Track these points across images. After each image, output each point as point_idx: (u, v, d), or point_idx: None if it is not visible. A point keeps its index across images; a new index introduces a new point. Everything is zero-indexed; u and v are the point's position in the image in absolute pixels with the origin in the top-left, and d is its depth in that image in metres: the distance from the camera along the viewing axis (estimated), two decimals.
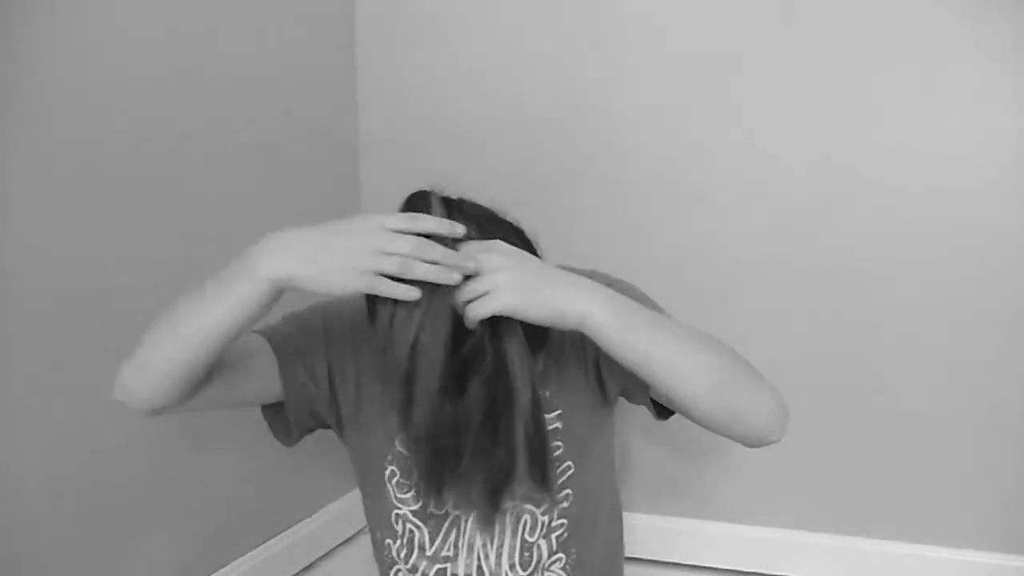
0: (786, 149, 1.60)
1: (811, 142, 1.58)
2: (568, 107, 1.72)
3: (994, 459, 1.54)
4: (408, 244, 0.83)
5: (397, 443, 1.03)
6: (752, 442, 0.91)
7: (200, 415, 1.44)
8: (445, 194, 0.97)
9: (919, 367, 1.57)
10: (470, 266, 0.83)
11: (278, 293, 0.85)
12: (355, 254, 0.83)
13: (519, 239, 0.97)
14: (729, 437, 0.91)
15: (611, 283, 1.04)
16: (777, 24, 1.58)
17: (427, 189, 0.94)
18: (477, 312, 0.83)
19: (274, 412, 1.09)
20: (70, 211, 1.18)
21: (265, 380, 1.02)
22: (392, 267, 0.82)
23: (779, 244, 1.62)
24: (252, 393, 1.03)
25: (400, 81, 1.84)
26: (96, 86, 1.21)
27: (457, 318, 0.85)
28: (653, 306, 1.05)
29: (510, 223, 0.99)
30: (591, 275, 1.07)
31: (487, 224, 0.93)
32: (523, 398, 0.85)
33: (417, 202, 0.91)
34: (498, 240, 0.88)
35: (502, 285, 0.83)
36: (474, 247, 0.86)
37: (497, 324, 0.86)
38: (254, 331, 1.02)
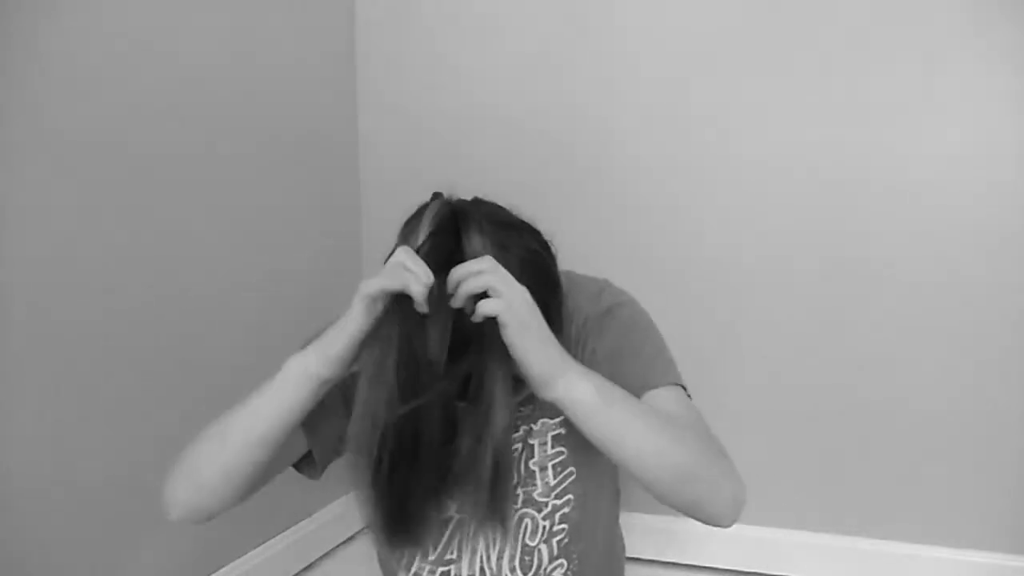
0: (786, 150, 1.60)
1: (811, 142, 1.58)
2: (568, 107, 1.72)
3: (994, 459, 1.54)
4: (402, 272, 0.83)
5: None
6: (703, 522, 0.92)
7: (200, 411, 1.44)
8: (458, 197, 0.96)
9: (919, 367, 1.57)
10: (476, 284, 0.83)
11: (314, 386, 0.86)
12: (356, 300, 0.85)
13: (535, 240, 0.97)
14: (681, 512, 0.92)
15: (622, 302, 1.03)
16: (778, 25, 1.58)
17: (439, 199, 0.93)
18: (484, 309, 0.82)
19: (303, 461, 1.09)
20: (70, 211, 1.18)
21: (294, 445, 1.02)
22: (388, 283, 0.82)
23: (779, 244, 1.62)
24: (287, 462, 1.04)
25: (400, 81, 1.84)
26: (96, 87, 1.21)
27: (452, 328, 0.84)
28: (651, 329, 1.04)
29: (527, 224, 0.98)
30: (604, 286, 1.06)
31: (501, 230, 0.92)
32: (497, 425, 0.83)
33: (412, 221, 0.91)
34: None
35: (510, 297, 0.83)
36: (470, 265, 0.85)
37: (491, 342, 0.84)
38: None
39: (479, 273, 0.83)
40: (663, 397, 0.96)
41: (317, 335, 1.01)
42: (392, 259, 0.85)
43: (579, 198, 1.73)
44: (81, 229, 1.19)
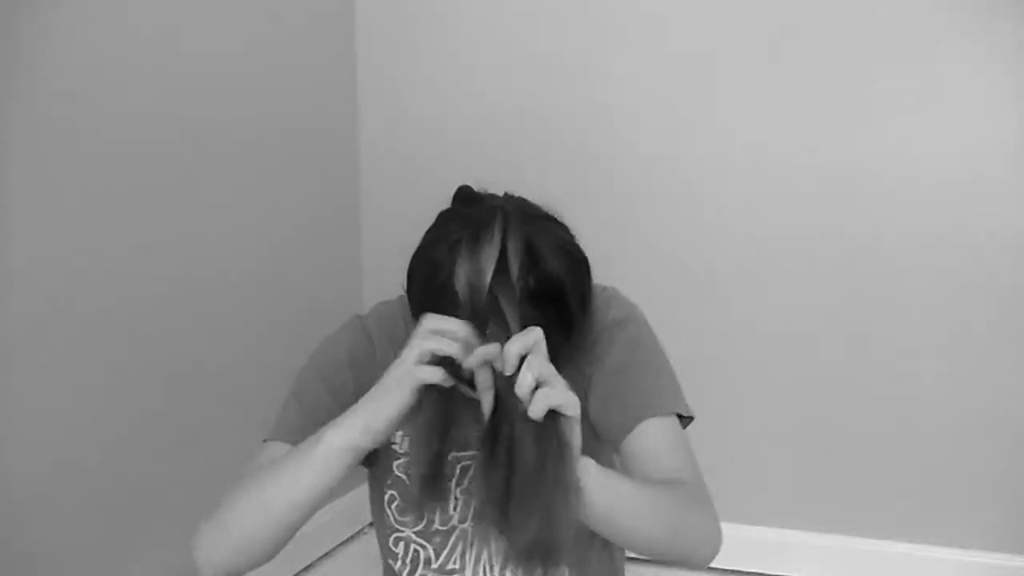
0: (787, 149, 1.60)
1: (811, 142, 1.58)
2: (569, 108, 1.72)
3: (994, 459, 1.54)
4: (440, 343, 0.80)
5: (395, 469, 1.03)
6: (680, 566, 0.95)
7: (198, 416, 1.44)
8: (494, 192, 0.96)
9: (919, 367, 1.57)
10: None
11: (354, 456, 0.85)
12: (397, 370, 0.82)
13: (567, 232, 0.96)
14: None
15: (629, 317, 1.03)
16: (779, 25, 1.58)
17: (494, 219, 0.88)
18: (541, 405, 0.79)
19: None
20: (70, 211, 1.18)
21: None
22: (435, 347, 0.80)
23: (779, 244, 1.62)
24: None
25: (400, 82, 1.84)
26: (96, 88, 1.21)
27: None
28: (657, 349, 1.04)
29: (560, 222, 0.97)
30: (612, 295, 1.06)
31: (538, 220, 0.91)
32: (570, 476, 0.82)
33: (481, 234, 0.87)
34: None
35: (566, 386, 0.78)
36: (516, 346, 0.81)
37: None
38: (279, 442, 1.00)
39: (533, 362, 0.78)
40: (658, 430, 0.96)
41: (322, 349, 1.01)
42: (425, 329, 0.81)
43: (581, 198, 1.72)
44: (81, 228, 1.19)
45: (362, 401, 0.84)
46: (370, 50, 1.85)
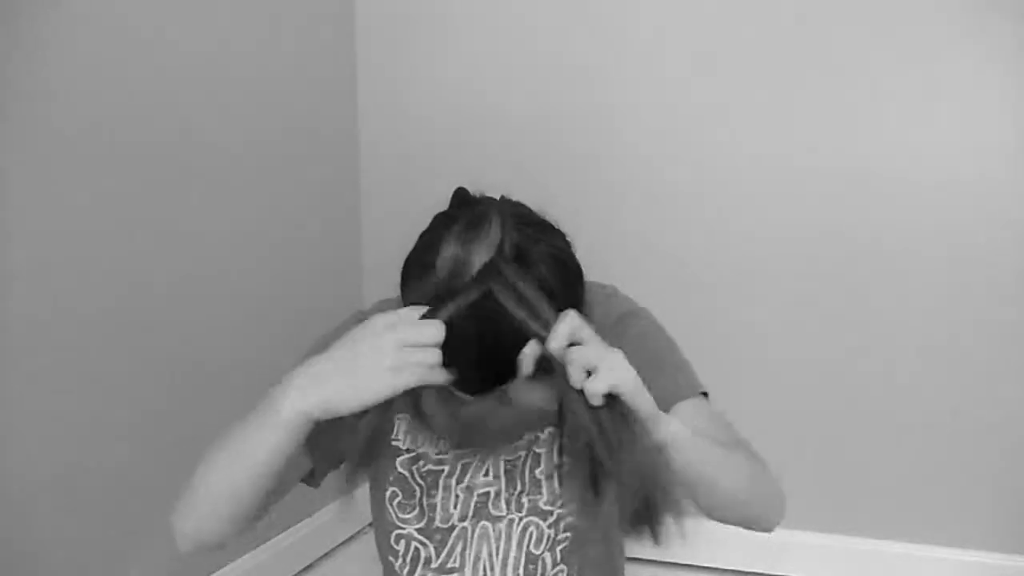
0: (787, 149, 1.60)
1: (811, 142, 1.58)
2: (568, 107, 1.72)
3: (994, 459, 1.54)
4: (434, 332, 0.80)
5: (398, 466, 1.03)
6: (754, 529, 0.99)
7: (198, 416, 1.44)
8: (481, 193, 0.95)
9: (920, 367, 1.57)
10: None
11: (310, 424, 0.85)
12: (381, 355, 0.81)
13: (562, 239, 0.96)
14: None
15: (632, 311, 1.03)
16: (780, 26, 1.58)
17: (487, 214, 0.89)
18: (597, 387, 0.79)
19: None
20: (70, 211, 1.18)
21: (296, 466, 1.02)
22: (425, 358, 0.79)
23: (779, 244, 1.62)
24: (290, 485, 1.04)
25: (400, 83, 1.84)
26: (96, 88, 1.21)
27: None
28: (667, 339, 1.04)
29: (558, 230, 0.97)
30: (612, 293, 1.06)
31: (529, 227, 0.91)
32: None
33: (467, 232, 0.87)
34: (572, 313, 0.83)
35: (617, 363, 0.80)
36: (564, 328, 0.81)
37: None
38: None
39: (580, 344, 0.79)
40: (691, 411, 0.97)
41: (316, 347, 1.00)
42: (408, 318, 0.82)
43: (581, 198, 1.73)
44: (81, 229, 1.20)
45: (329, 368, 0.82)
46: (370, 50, 1.85)
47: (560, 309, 0.85)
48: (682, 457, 0.85)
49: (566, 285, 0.89)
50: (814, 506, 1.66)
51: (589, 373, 0.79)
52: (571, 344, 0.79)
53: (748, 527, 0.97)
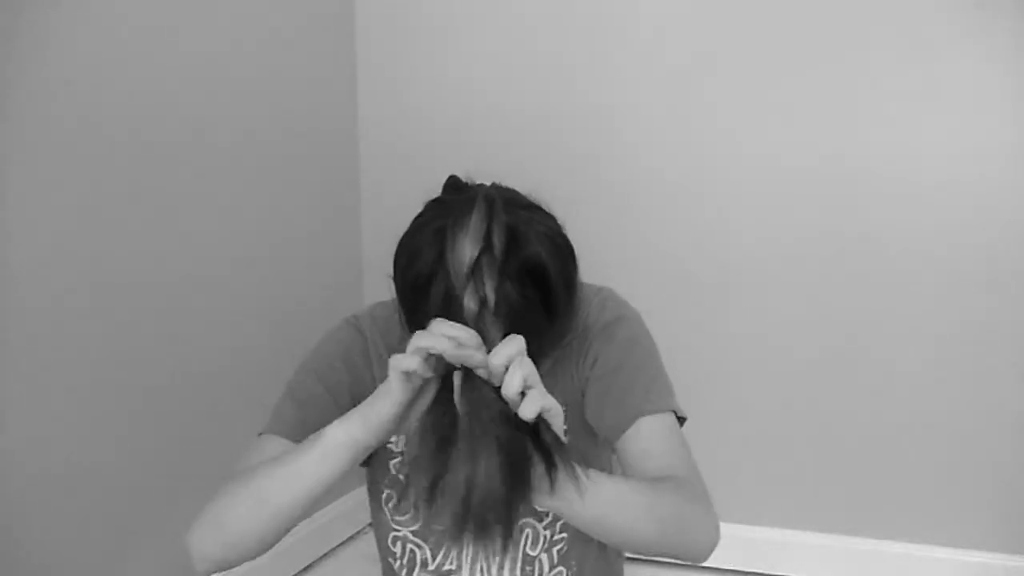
0: (787, 149, 1.60)
1: (811, 142, 1.58)
2: (568, 107, 1.72)
3: (994, 459, 1.54)
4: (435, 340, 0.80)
5: (392, 468, 1.03)
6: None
7: (198, 416, 1.44)
8: (478, 181, 0.96)
9: (920, 367, 1.57)
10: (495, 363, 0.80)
11: (356, 451, 0.85)
12: (391, 375, 0.81)
13: (554, 221, 0.96)
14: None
15: (622, 316, 1.03)
16: (780, 26, 1.58)
17: (474, 204, 0.89)
18: (532, 407, 0.79)
19: None
20: (70, 210, 1.18)
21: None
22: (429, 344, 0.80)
23: (779, 244, 1.62)
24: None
25: (400, 83, 1.84)
26: (96, 87, 1.21)
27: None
28: (652, 349, 1.04)
29: (548, 212, 0.97)
30: (607, 295, 1.06)
31: (523, 210, 0.91)
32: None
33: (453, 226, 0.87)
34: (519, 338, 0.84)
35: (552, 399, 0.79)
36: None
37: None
38: (273, 435, 1.00)
39: (517, 368, 0.78)
40: (653, 428, 0.97)
41: (312, 357, 1.01)
42: (427, 330, 0.81)
43: (580, 198, 1.73)
44: (81, 228, 1.19)
45: (365, 400, 0.85)
46: (370, 50, 1.85)
47: (554, 288, 0.86)
48: (586, 510, 0.82)
49: (559, 261, 0.90)
50: (814, 506, 1.66)
51: (523, 394, 0.77)
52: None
53: (672, 559, 0.94)
